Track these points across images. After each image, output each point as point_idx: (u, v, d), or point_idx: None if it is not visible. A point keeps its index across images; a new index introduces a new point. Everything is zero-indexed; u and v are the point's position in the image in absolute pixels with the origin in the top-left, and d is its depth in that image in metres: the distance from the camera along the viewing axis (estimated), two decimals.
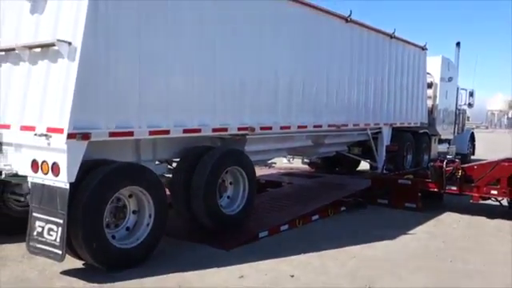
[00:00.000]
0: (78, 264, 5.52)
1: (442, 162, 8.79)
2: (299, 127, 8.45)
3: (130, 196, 5.80)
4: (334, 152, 11.14)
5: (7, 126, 5.66)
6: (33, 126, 5.30)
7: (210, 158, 6.68)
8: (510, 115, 62.71)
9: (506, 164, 8.12)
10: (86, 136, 5.11)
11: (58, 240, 5.01)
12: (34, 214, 5.24)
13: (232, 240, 6.64)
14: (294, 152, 9.99)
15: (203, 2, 6.49)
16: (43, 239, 5.14)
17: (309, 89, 8.68)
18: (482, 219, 8.48)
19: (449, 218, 8.55)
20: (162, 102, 6.02)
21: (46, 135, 5.13)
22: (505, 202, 8.65)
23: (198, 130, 6.53)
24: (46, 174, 5.19)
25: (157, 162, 6.80)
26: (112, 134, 5.44)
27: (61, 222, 5.00)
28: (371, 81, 10.68)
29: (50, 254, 5.08)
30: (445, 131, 15.47)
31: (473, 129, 20.27)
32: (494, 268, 5.89)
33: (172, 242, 6.41)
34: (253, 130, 7.34)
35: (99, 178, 5.25)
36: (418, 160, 13.31)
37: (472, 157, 17.70)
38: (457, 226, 8.02)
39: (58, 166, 5.07)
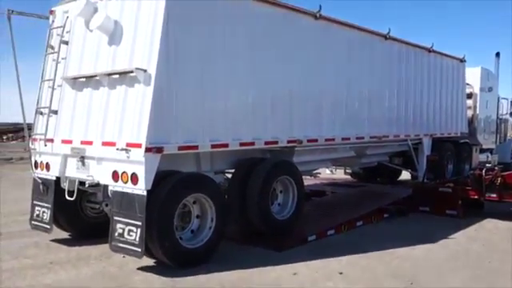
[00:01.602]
0: (151, 262, 6.31)
1: (481, 170, 9.17)
2: (343, 139, 9.07)
3: (194, 202, 6.57)
4: (375, 162, 11.64)
5: (90, 143, 6.55)
6: (113, 142, 6.18)
7: (263, 169, 7.40)
8: None
9: None
10: (159, 150, 5.93)
11: (137, 239, 5.83)
12: (116, 218, 6.09)
13: (284, 243, 7.30)
14: (337, 163, 10.57)
15: (255, 28, 7.27)
16: (124, 239, 5.97)
17: (351, 102, 9.31)
18: None
19: (489, 224, 8.91)
20: (222, 119, 6.80)
21: (125, 149, 5.98)
22: None
23: (252, 143, 7.27)
24: (126, 182, 6.03)
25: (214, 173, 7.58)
26: (180, 148, 6.25)
27: (140, 223, 5.82)
28: (411, 93, 11.19)
29: (131, 252, 5.91)
30: (486, 141, 15.64)
31: None
32: None
33: (230, 244, 7.12)
34: (300, 142, 8.03)
35: (170, 187, 6.06)
36: (458, 169, 13.56)
37: None
38: (497, 232, 8.38)
39: (136, 175, 5.90)
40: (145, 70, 5.98)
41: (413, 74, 11.24)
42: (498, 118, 16.40)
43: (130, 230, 5.94)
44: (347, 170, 13.59)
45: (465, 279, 5.91)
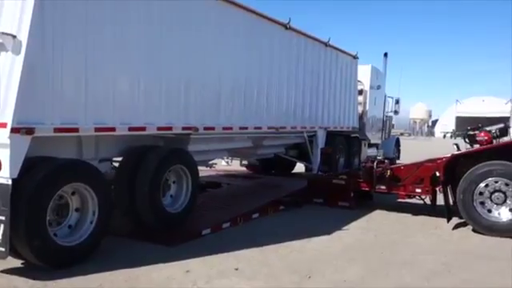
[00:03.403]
0: (18, 263, 5.38)
1: (372, 162, 9.38)
2: (241, 128, 8.70)
3: (73, 193, 5.74)
4: (272, 154, 11.50)
5: None
6: None
7: (155, 157, 6.76)
8: (429, 123, 66.88)
9: (429, 164, 8.81)
10: (30, 131, 5.03)
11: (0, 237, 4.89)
12: None
13: (176, 237, 6.73)
14: (234, 153, 10.22)
15: (150, 3, 6.57)
16: None
17: (250, 91, 8.97)
18: (408, 216, 9.14)
19: (379, 216, 9.14)
20: (109, 99, 6.03)
21: None
22: (428, 200, 9.35)
23: (143, 128, 6.59)
24: None
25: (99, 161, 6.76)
26: (57, 130, 5.39)
27: (3, 218, 4.88)
28: (308, 86, 11.19)
29: None
30: (373, 136, 16.40)
31: (398, 135, 21.56)
32: (420, 257, 6.43)
33: (115, 240, 6.39)
34: (196, 129, 7.49)
35: (43, 175, 5.18)
36: (349, 163, 14.02)
37: (397, 161, 18.82)
38: (387, 223, 8.60)
39: None
40: (14, 36, 5.02)
41: (310, 67, 11.23)
42: (384, 115, 17.30)
43: None
44: (243, 162, 13.34)
45: (360, 271, 5.83)
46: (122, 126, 6.24)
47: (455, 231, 8.03)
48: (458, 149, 8.69)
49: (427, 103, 65.61)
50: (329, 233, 7.54)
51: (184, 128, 7.29)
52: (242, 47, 8.72)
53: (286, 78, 10.25)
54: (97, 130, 5.90)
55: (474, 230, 7.93)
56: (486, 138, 8.30)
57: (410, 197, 9.28)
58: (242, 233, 7.40)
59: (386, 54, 17.47)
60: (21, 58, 4.96)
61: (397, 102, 18.03)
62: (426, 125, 66.80)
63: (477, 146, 9.21)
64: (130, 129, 6.36)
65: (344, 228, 7.96)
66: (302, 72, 10.88)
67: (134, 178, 6.65)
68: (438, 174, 8.69)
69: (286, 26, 9.97)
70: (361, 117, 15.11)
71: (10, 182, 4.88)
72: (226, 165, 13.72)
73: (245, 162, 13.39)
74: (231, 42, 8.39)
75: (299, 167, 14.30)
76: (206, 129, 7.74)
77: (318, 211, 9.29)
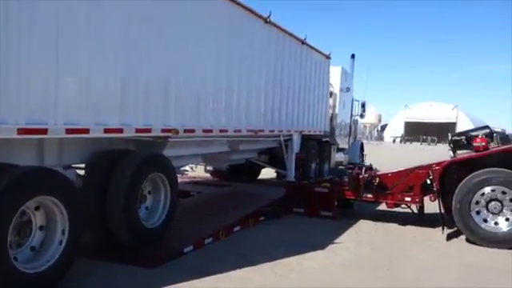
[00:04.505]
0: None
1: (360, 169, 8.82)
2: (221, 131, 7.87)
3: (37, 208, 4.73)
4: (244, 159, 10.73)
5: None
6: None
7: (131, 163, 5.81)
8: (379, 128, 68.31)
9: (420, 171, 8.34)
10: None
11: None
12: None
13: (155, 257, 5.81)
14: (207, 159, 9.32)
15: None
16: None
17: (230, 91, 8.16)
18: (395, 226, 8.65)
19: (366, 226, 8.57)
20: (82, 97, 5.08)
21: None
22: (414, 209, 8.91)
23: (121, 130, 5.64)
24: None
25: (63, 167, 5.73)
26: (22, 131, 4.37)
27: None
28: (285, 87, 10.50)
29: None
30: (342, 140, 15.96)
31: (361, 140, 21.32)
32: (428, 274, 5.88)
33: (85, 262, 5.38)
34: (177, 132, 6.61)
35: (3, 186, 4.16)
36: (320, 168, 13.43)
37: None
38: (376, 234, 8.04)
39: None
40: None
41: (287, 66, 10.52)
42: (351, 118, 16.93)
43: None
44: (208, 168, 12.40)
45: None
46: (97, 128, 5.27)
47: (450, 242, 7.59)
48: (454, 155, 8.29)
49: (376, 107, 66.80)
50: (322, 247, 6.87)
51: (163, 130, 6.38)
52: (224, 43, 7.91)
53: (264, 77, 9.51)
54: (68, 131, 4.90)
55: (467, 240, 7.53)
56: (483, 143, 7.91)
57: (396, 205, 8.79)
58: (228, 249, 6.58)
59: (353, 56, 17.00)
60: None
61: (363, 105, 17.73)
62: (376, 129, 68.17)
63: (461, 152, 8.90)
64: (106, 130, 5.40)
65: (336, 241, 7.32)
66: (280, 72, 10.17)
67: (105, 188, 5.68)
68: (429, 181, 8.28)
69: (266, 20, 9.22)
70: (330, 120, 14.59)
71: None
72: (190, 171, 12.75)
73: (209, 168, 12.46)
74: (213, 36, 7.56)
75: (264, 174, 13.64)
76: (186, 131, 6.85)
77: (301, 222, 8.61)
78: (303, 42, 11.22)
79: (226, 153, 9.21)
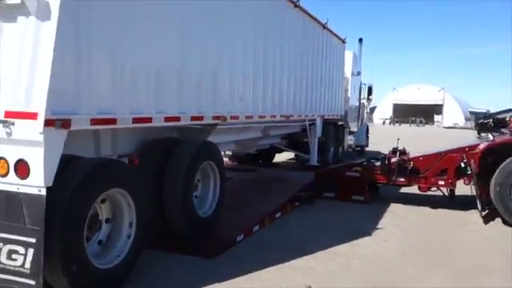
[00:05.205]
0: None
1: (394, 153, 8.78)
2: (259, 117, 7.74)
3: (103, 201, 4.57)
4: (269, 145, 10.61)
5: None
6: None
7: (186, 152, 5.65)
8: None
9: (454, 155, 8.32)
10: (66, 123, 3.82)
11: (27, 265, 3.67)
12: None
13: (211, 247, 5.71)
14: (239, 145, 9.16)
15: None
16: (1, 266, 3.74)
17: (266, 76, 8.01)
18: (427, 209, 8.66)
19: (399, 210, 8.55)
20: (144, 85, 4.90)
21: (4, 122, 3.72)
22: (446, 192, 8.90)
23: (178, 119, 5.47)
24: (4, 176, 3.78)
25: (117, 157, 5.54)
26: (94, 122, 4.19)
27: (32, 241, 3.67)
28: (310, 72, 10.36)
29: (15, 286, 3.71)
30: (352, 124, 15.93)
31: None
32: (489, 260, 5.87)
33: (149, 253, 5.23)
34: (225, 119, 6.46)
35: (79, 180, 3.99)
36: (336, 152, 13.40)
37: (366, 148, 18.56)
38: (414, 218, 8.03)
39: (26, 164, 3.71)
40: None
41: (311, 50, 10.39)
42: (359, 102, 16.88)
43: (12, 252, 3.74)
44: (227, 153, 12.26)
45: (441, 281, 5.14)
46: (158, 116, 5.09)
47: (489, 226, 7.60)
48: (493, 138, 8.27)
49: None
50: (368, 233, 6.83)
51: (214, 117, 6.23)
52: (260, 30, 7.74)
53: (293, 62, 9.35)
54: (134, 120, 4.72)
55: (504, 223, 7.57)
56: None
57: (429, 189, 8.79)
58: (277, 236, 6.51)
59: (360, 40, 16.93)
60: (52, 25, 3.71)
61: (369, 89, 17.69)
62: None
63: (489, 135, 8.92)
64: (166, 119, 5.23)
65: (378, 227, 7.27)
66: (306, 56, 10.02)
67: (160, 177, 5.53)
68: (463, 164, 8.26)
69: (295, 4, 9.03)
70: (344, 104, 14.53)
71: (43, 193, 3.67)
72: None
73: (228, 153, 12.32)
74: (251, 22, 7.38)
75: (278, 157, 13.60)
76: (232, 118, 6.71)
77: (333, 206, 8.55)
78: (324, 27, 11.05)
79: (257, 138, 9.08)
